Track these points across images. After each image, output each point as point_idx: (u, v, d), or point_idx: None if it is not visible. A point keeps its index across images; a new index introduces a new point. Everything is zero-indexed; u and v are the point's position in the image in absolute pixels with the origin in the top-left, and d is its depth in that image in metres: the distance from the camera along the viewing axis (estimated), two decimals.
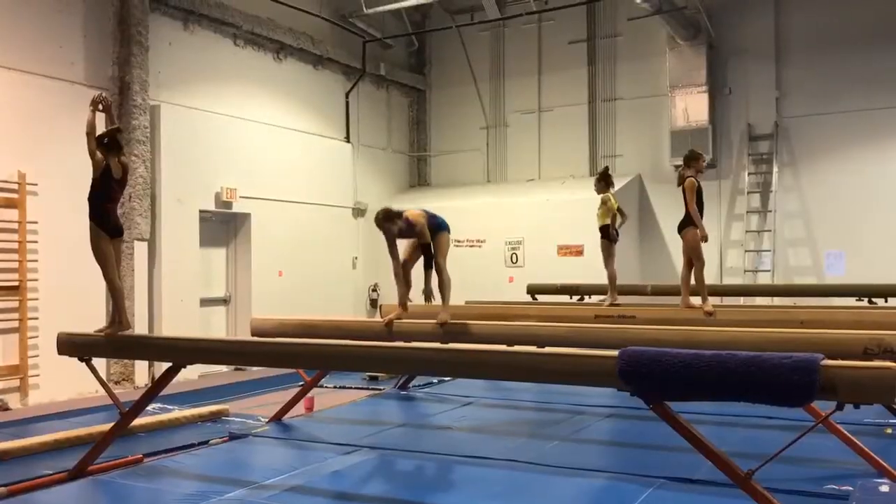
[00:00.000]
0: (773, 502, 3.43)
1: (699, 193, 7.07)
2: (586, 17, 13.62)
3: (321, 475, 5.16)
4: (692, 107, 12.44)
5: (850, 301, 8.85)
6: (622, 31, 13.35)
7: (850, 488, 4.12)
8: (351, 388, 9.03)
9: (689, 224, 7.04)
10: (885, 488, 3.95)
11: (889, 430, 6.02)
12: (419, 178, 15.22)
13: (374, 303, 13.57)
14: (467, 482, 4.97)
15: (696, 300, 7.12)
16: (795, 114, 12.15)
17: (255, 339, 6.30)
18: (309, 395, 7.32)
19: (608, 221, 8.06)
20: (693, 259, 7.14)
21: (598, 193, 8.16)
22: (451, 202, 13.77)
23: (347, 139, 13.37)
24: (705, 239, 7.05)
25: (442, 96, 15.05)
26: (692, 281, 7.19)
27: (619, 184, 12.74)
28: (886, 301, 8.62)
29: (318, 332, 6.45)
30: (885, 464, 4.78)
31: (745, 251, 12.27)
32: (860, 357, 4.66)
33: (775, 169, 12.09)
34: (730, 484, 3.72)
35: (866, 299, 8.77)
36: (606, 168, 8.63)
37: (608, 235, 8.08)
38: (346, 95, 13.40)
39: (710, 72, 12.47)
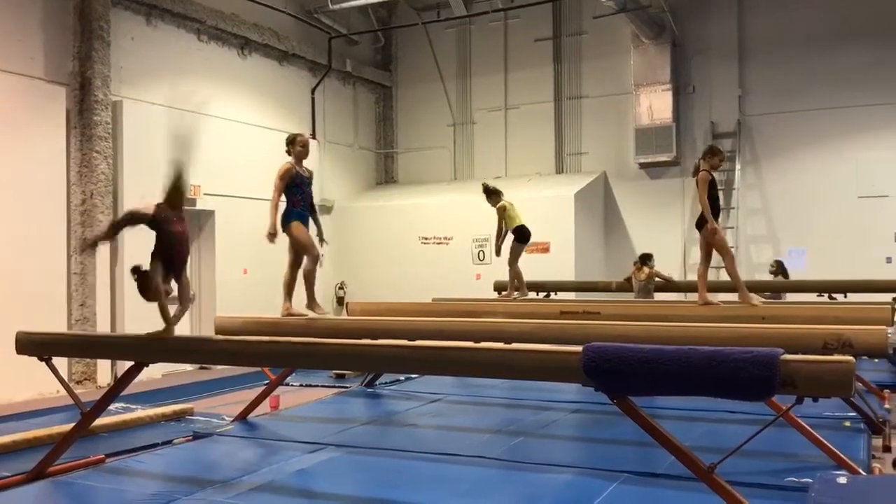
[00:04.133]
0: (734, 495, 3.47)
1: (712, 187, 7.10)
2: (552, 16, 13.70)
3: (286, 474, 5.12)
4: (656, 105, 12.56)
5: (812, 297, 9.01)
6: (587, 30, 13.44)
7: (810, 480, 4.19)
8: (317, 386, 8.98)
9: (706, 221, 7.02)
10: (842, 480, 4.01)
11: (847, 424, 6.13)
12: (386, 175, 15.19)
13: (340, 300, 13.51)
14: (434, 479, 4.96)
15: (711, 296, 7.07)
16: (758, 112, 12.33)
17: (219, 337, 6.23)
18: (274, 393, 7.26)
19: (520, 223, 8.63)
20: (721, 254, 7.17)
21: (494, 206, 8.84)
22: (418, 199, 13.79)
23: (313, 136, 13.28)
24: (716, 233, 7.05)
25: (408, 93, 15.03)
26: (715, 276, 7.21)
27: (584, 181, 12.89)
28: (846, 296, 8.79)
29: (283, 331, 6.39)
30: (843, 456, 4.87)
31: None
32: (820, 352, 4.73)
33: (738, 167, 12.26)
34: (693, 478, 3.76)
35: (826, 295, 8.94)
36: (485, 185, 9.14)
37: (522, 237, 8.61)
38: (312, 92, 13.32)
39: (675, 70, 12.61)
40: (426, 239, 13.16)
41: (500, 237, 8.85)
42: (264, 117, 12.31)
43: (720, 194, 7.95)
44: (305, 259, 6.93)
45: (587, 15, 13.25)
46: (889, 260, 11.24)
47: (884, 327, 5.23)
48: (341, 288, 13.64)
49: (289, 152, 7.02)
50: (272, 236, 6.80)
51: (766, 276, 11.73)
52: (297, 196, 6.90)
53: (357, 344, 5.17)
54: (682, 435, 5.24)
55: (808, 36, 11.94)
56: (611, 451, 5.60)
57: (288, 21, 12.76)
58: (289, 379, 8.02)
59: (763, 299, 7.09)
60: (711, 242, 7.09)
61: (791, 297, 9.94)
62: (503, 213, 8.78)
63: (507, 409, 7.38)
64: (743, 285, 6.92)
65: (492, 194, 8.90)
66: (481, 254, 12.85)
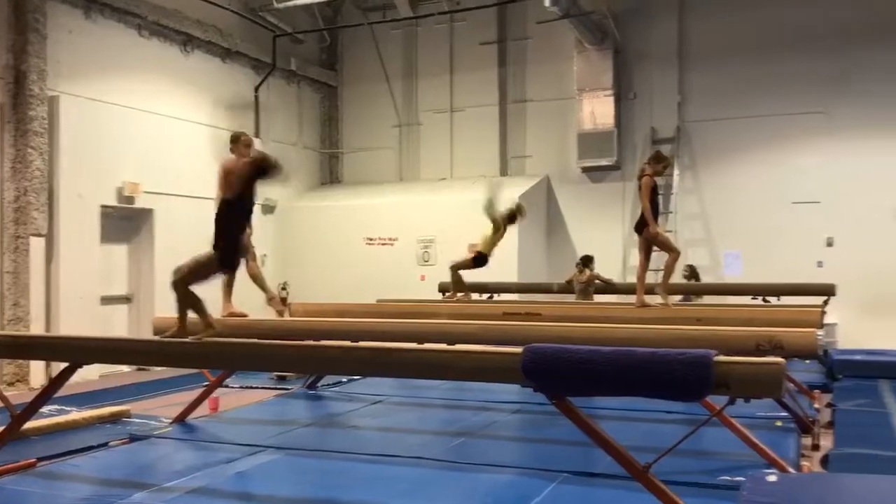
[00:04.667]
0: (668, 494, 3.55)
1: (654, 192, 7.26)
2: (497, 19, 13.79)
3: (225, 476, 5.06)
4: (599, 110, 12.75)
5: (747, 299, 9.24)
6: (532, 34, 13.57)
7: (742, 479, 4.30)
8: (258, 387, 8.89)
9: (647, 222, 7.20)
10: (772, 478, 4.13)
11: (779, 423, 6.30)
12: (331, 175, 15.10)
13: (283, 301, 13.35)
14: (373, 481, 4.96)
15: (649, 298, 7.22)
16: (696, 118, 12.61)
17: (157, 338, 6.13)
18: (214, 395, 7.17)
19: (486, 251, 8.92)
20: (666, 251, 7.34)
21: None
22: (363, 200, 13.75)
23: (257, 134, 13.12)
24: (657, 235, 7.23)
25: (354, 93, 14.98)
26: (660, 271, 7.40)
27: (528, 184, 13.01)
28: (779, 299, 9.02)
29: (223, 332, 6.32)
30: (774, 455, 5.02)
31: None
32: (752, 353, 4.86)
33: (676, 172, 12.51)
34: (630, 477, 3.83)
35: (761, 298, 9.17)
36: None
37: (478, 262, 8.92)
38: (256, 90, 13.18)
39: (617, 76, 12.81)
40: (371, 240, 13.12)
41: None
42: (207, 115, 12.13)
43: (660, 199, 8.13)
44: (247, 261, 6.87)
45: (531, 20, 13.36)
46: (820, 264, 11.58)
47: (813, 330, 5.42)
48: (284, 288, 13.50)
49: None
50: None
51: (704, 279, 12.01)
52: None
53: (299, 345, 5.14)
54: (620, 435, 5.32)
55: (745, 45, 12.25)
56: (551, 451, 5.67)
57: (232, 18, 12.60)
58: (229, 380, 7.92)
59: (674, 302, 7.31)
60: (655, 244, 7.27)
61: (729, 299, 10.17)
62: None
63: (449, 409, 7.42)
64: (667, 286, 7.16)
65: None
66: (426, 255, 12.87)
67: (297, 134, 14.38)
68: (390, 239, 13.03)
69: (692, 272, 11.05)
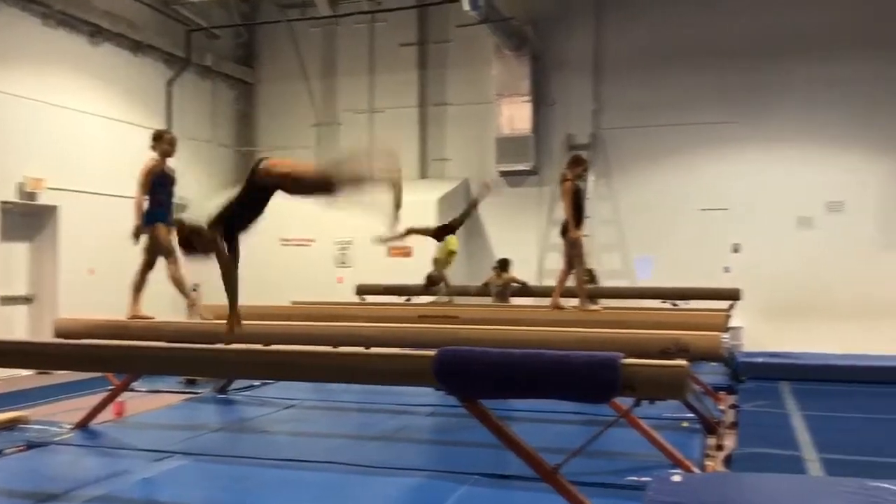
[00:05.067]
0: (575, 495, 3.60)
1: (577, 196, 7.32)
2: (417, 21, 13.79)
3: (129, 483, 4.89)
4: (517, 115, 12.89)
5: (657, 303, 9.48)
6: (452, 38, 13.61)
7: (649, 479, 4.39)
8: (165, 391, 8.62)
9: (575, 227, 7.26)
10: (677, 478, 4.23)
11: (685, 424, 6.48)
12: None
13: (194, 303, 13.02)
14: (283, 486, 4.87)
15: (565, 301, 7.31)
16: (611, 126, 12.88)
17: (58, 340, 5.89)
18: (119, 399, 6.92)
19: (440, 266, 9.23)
20: (575, 262, 7.39)
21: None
22: (279, 199, 13.50)
23: (168, 131, 12.77)
24: (577, 241, 7.30)
25: (271, 91, 14.74)
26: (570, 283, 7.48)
27: (447, 188, 13.04)
28: (688, 303, 9.30)
29: (129, 334, 6.12)
30: (679, 455, 5.15)
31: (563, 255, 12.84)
32: (660, 356, 4.97)
33: (591, 178, 12.74)
34: (539, 478, 3.87)
35: (670, 302, 9.43)
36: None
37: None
38: (169, 85, 12.81)
39: (534, 82, 12.97)
40: (287, 240, 12.92)
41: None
42: (116, 109, 11.73)
43: (586, 203, 8.23)
44: (168, 265, 6.71)
45: (452, 23, 13.41)
46: (727, 269, 11.98)
47: (718, 333, 5.59)
48: (194, 290, 13.14)
49: (154, 148, 6.74)
50: (137, 236, 6.54)
51: (617, 282, 12.27)
52: (161, 195, 6.66)
53: (208, 349, 5.01)
54: (533, 436, 5.37)
55: (659, 56, 12.58)
56: (464, 453, 5.68)
57: (144, 10, 12.22)
58: (135, 384, 7.65)
59: (597, 306, 7.43)
60: (572, 248, 7.39)
61: (641, 303, 10.39)
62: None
63: (363, 413, 7.36)
64: (584, 290, 7.29)
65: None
66: (343, 257, 12.76)
67: (212, 131, 14.05)
68: (307, 240, 12.86)
69: (590, 276, 11.03)
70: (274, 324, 6.52)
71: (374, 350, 5.26)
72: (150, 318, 6.50)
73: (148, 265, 6.74)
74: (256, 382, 8.59)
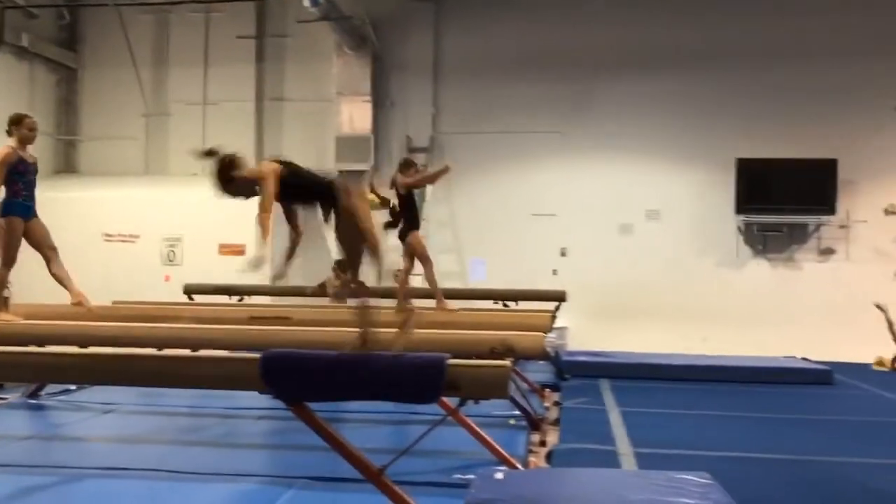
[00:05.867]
0: (400, 496, 3.64)
1: (412, 198, 7.53)
2: (256, 14, 13.46)
3: None
4: (357, 115, 12.87)
5: (489, 304, 9.74)
6: (292, 33, 13.39)
7: (473, 477, 4.51)
8: None
9: (411, 229, 7.29)
10: (499, 475, 4.38)
11: (513, 421, 6.71)
12: (67, 164, 13.90)
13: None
14: (101, 497, 4.62)
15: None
16: (448, 130, 13.12)
17: None
18: None
19: None
20: (421, 261, 7.40)
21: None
22: (103, 192, 12.80)
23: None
24: (417, 242, 7.38)
25: (97, 77, 13.91)
26: (412, 283, 7.48)
27: None
28: (517, 304, 9.62)
29: None
30: (503, 452, 5.31)
31: (402, 256, 12.95)
32: (488, 356, 5.11)
33: None
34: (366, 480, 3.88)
35: (501, 303, 9.72)
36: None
37: None
38: None
39: (375, 83, 13.00)
40: (110, 236, 12.24)
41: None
42: None
43: (423, 205, 8.35)
44: (46, 259, 6.18)
45: (292, 18, 13.20)
46: (555, 272, 12.52)
47: (542, 333, 5.83)
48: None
49: (10, 133, 6.16)
50: None
51: (452, 284, 12.49)
52: (19, 185, 6.11)
53: (17, 352, 4.66)
54: (366, 438, 5.39)
55: (495, 64, 12.94)
56: (293, 457, 5.61)
57: None
58: None
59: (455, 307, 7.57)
60: (420, 250, 7.49)
61: (475, 304, 10.64)
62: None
63: (189, 418, 7.09)
64: (440, 292, 7.39)
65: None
66: (172, 254, 12.25)
67: None
68: (132, 236, 12.24)
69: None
70: (92, 324, 6.14)
71: (202, 353, 5.10)
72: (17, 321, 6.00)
73: (7, 262, 6.19)
74: (73, 386, 8.08)
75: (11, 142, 6.19)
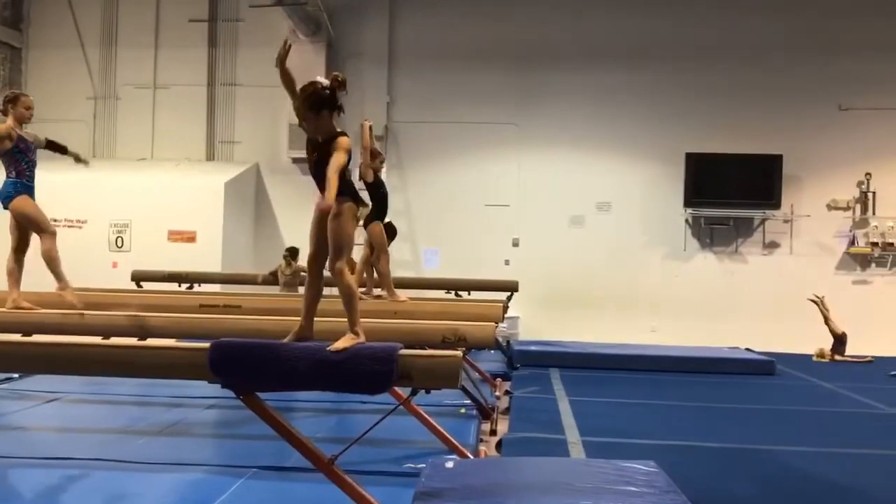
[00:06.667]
0: (350, 485, 3.64)
1: (380, 186, 7.51)
2: None
3: None
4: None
5: (442, 293, 9.77)
6: (245, 17, 13.23)
7: (424, 466, 4.53)
8: None
9: (374, 218, 7.25)
10: (450, 464, 4.41)
11: (463, 411, 6.75)
12: None
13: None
14: (43, 488, 4.53)
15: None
16: (403, 119, 13.09)
17: None
18: None
19: None
20: (379, 251, 7.36)
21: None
22: (49, 175, 12.37)
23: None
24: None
25: (42, 57, 13.57)
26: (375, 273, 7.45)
27: (235, 171, 12.67)
28: (469, 294, 9.66)
29: None
30: (454, 441, 5.34)
31: (355, 245, 12.91)
32: (439, 346, 5.13)
33: (384, 169, 12.87)
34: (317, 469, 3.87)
35: (454, 292, 9.75)
36: None
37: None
38: None
39: (330, 70, 12.85)
40: (56, 221, 11.88)
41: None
42: None
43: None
44: (42, 239, 5.93)
45: (245, 2, 13.02)
46: (507, 262, 12.61)
47: (493, 323, 5.86)
48: None
49: (5, 112, 5.90)
50: None
51: (405, 273, 12.51)
52: (21, 164, 5.86)
53: None
54: (317, 427, 5.38)
55: (450, 55, 12.95)
56: (244, 446, 5.57)
57: None
58: None
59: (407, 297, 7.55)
60: (379, 240, 7.47)
61: (428, 293, 10.65)
62: None
63: (136, 406, 6.98)
64: (391, 284, 7.36)
65: None
66: (119, 240, 12.03)
67: None
68: (78, 221, 11.98)
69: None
70: (35, 312, 5.99)
71: (149, 342, 5.02)
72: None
73: (20, 247, 5.95)
74: (15, 375, 7.89)
75: (9, 121, 5.95)
